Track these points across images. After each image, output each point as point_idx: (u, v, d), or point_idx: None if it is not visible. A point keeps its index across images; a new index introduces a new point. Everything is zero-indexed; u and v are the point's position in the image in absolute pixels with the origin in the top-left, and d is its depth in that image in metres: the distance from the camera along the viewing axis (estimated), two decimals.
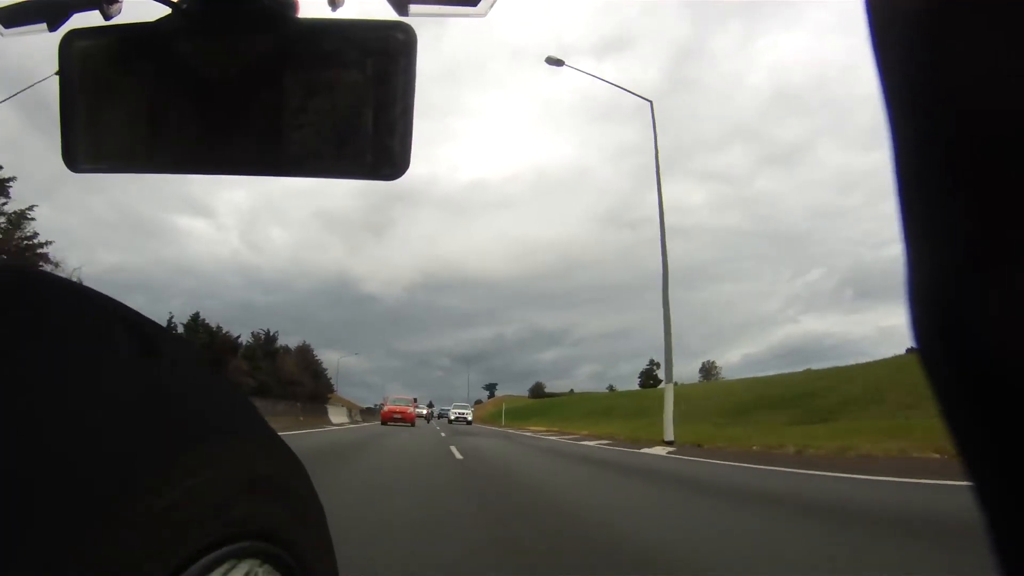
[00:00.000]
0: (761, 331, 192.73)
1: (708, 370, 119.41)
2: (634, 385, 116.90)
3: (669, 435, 14.24)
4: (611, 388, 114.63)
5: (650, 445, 14.33)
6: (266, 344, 42.71)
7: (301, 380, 42.65)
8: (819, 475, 6.95)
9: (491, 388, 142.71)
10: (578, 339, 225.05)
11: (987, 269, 0.27)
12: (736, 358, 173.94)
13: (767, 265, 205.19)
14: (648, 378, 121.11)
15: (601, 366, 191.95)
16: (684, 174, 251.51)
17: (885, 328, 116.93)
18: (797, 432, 14.32)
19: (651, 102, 16.84)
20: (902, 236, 0.31)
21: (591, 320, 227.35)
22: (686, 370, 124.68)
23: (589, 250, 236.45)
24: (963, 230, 0.28)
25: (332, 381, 56.09)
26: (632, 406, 43.15)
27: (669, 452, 12.28)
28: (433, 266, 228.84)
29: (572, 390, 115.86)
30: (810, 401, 25.52)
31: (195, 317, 37.25)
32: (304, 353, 49.56)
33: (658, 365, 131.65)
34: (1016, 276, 0.26)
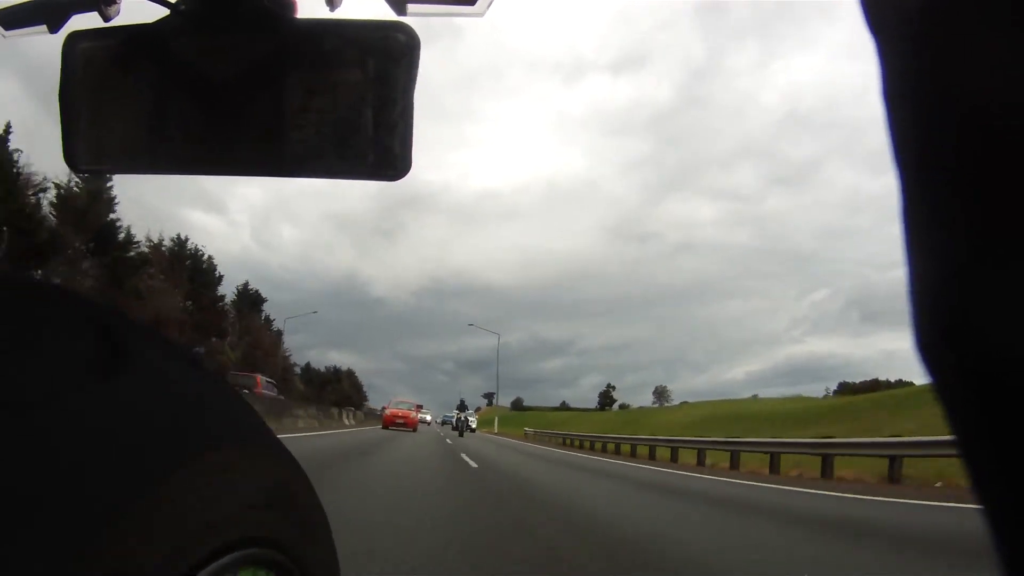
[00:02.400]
0: (766, 349, 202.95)
1: (660, 393, 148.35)
2: (626, 396, 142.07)
3: (495, 430, 45.98)
4: (564, 404, 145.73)
5: (491, 433, 45.54)
6: (335, 373, 74.24)
7: (351, 395, 74.13)
8: (515, 441, 31.95)
9: (490, 397, 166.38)
10: (582, 350, 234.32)
11: (991, 268, 0.27)
12: (740, 375, 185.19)
13: (774, 283, 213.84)
14: (606, 399, 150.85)
15: (604, 377, 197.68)
16: (694, 191, 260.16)
17: (888, 351, 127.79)
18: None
19: (498, 335, 46.37)
20: (904, 237, 0.31)
21: (596, 332, 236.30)
22: (667, 389, 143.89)
23: (596, 262, 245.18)
24: (966, 229, 0.28)
25: (365, 393, 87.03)
26: (544, 421, 75.03)
27: (492, 433, 44.69)
28: (441, 272, 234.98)
29: (564, 403, 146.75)
30: (567, 426, 55.87)
31: (307, 365, 68.16)
32: (351, 376, 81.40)
33: (614, 388, 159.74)
34: (1020, 275, 0.26)
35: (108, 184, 27.32)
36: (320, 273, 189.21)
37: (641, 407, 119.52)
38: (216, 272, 38.46)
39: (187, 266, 34.68)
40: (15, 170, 23.62)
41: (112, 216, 28.17)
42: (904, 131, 0.31)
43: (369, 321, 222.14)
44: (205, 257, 36.96)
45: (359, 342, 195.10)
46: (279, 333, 45.32)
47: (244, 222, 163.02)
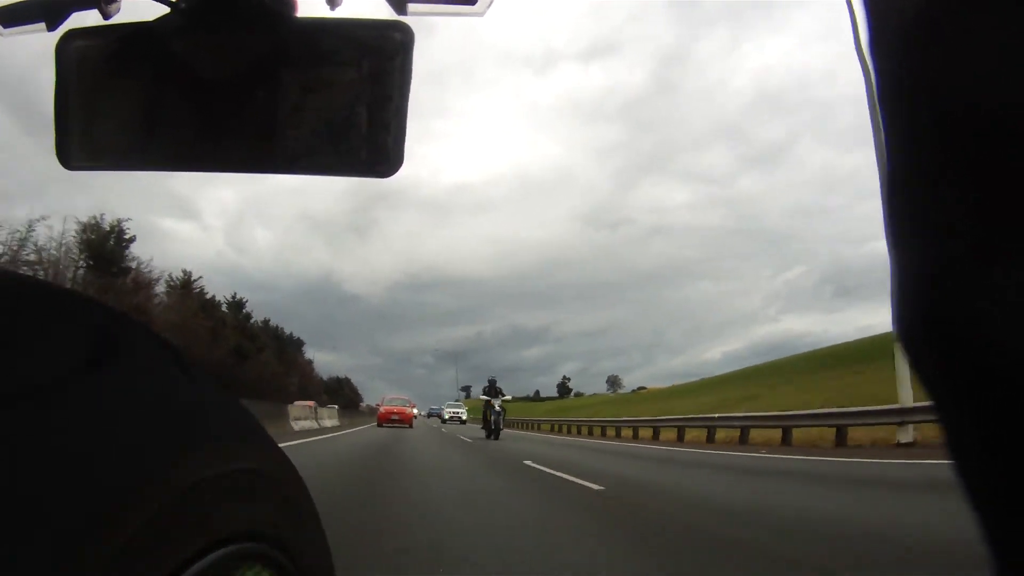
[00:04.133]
0: (743, 328, 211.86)
1: (614, 382, 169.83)
2: (598, 384, 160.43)
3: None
4: (537, 393, 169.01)
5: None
6: (338, 382, 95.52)
7: (353, 398, 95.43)
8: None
9: (467, 389, 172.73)
10: (560, 337, 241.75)
11: (976, 267, 0.27)
12: (717, 355, 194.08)
13: (748, 263, 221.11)
14: (563, 389, 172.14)
15: (582, 363, 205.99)
16: (666, 174, 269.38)
17: (863, 327, 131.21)
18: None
19: (456, 357, 72.14)
20: (888, 234, 0.32)
21: (573, 318, 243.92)
22: (636, 378, 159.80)
23: (572, 249, 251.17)
24: (952, 228, 0.28)
25: (361, 395, 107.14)
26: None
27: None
28: (416, 266, 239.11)
29: (537, 392, 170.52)
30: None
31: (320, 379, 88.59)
32: (350, 383, 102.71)
33: (569, 379, 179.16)
34: (1006, 274, 0.26)
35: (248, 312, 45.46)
36: (296, 273, 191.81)
37: (595, 394, 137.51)
38: (298, 338, 61.55)
39: (274, 341, 55.33)
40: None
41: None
42: (897, 127, 0.31)
43: (345, 317, 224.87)
44: (287, 333, 58.79)
45: (337, 339, 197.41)
46: (310, 361, 67.14)
47: (218, 226, 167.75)
